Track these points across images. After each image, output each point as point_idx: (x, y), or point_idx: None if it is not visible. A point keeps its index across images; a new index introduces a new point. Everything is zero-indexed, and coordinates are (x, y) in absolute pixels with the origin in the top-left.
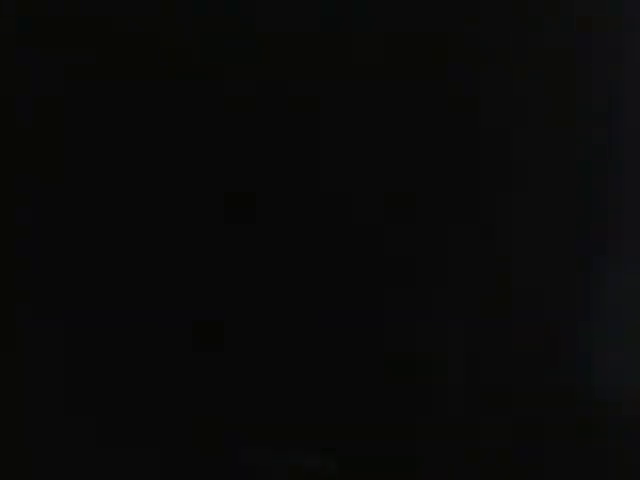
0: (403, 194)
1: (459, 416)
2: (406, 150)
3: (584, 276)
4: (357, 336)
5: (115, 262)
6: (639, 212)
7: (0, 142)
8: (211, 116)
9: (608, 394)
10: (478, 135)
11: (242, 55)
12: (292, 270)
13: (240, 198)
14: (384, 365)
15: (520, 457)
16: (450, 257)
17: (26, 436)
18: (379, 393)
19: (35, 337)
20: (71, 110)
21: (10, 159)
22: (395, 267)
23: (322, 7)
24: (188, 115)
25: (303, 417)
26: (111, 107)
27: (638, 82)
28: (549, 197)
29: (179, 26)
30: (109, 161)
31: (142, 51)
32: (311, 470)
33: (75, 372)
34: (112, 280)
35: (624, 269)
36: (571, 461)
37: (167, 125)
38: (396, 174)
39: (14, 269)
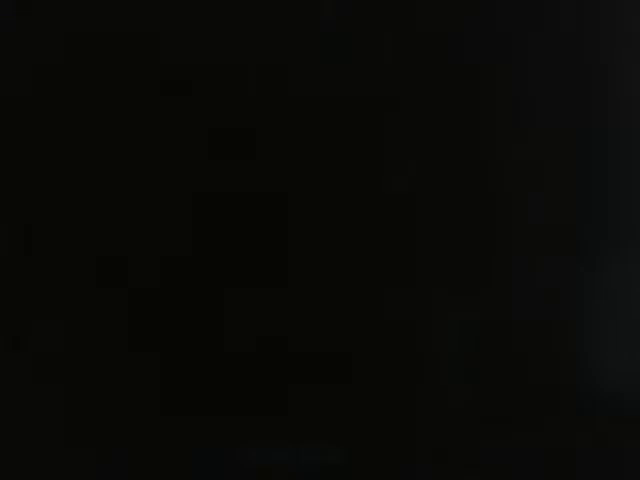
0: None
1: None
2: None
3: (585, 274)
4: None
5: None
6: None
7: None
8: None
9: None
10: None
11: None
12: (292, 270)
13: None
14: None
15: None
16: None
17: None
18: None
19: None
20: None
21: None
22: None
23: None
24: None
25: (304, 414)
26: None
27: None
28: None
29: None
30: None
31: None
32: (314, 467)
33: (73, 366)
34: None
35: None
36: (570, 460)
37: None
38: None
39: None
